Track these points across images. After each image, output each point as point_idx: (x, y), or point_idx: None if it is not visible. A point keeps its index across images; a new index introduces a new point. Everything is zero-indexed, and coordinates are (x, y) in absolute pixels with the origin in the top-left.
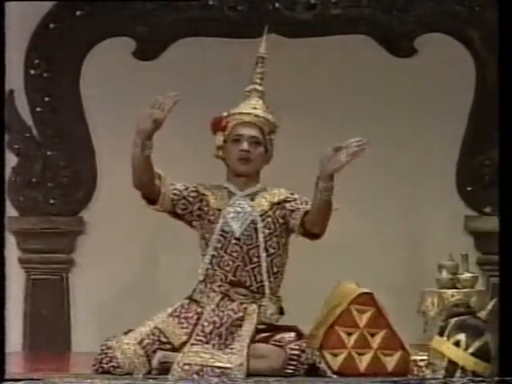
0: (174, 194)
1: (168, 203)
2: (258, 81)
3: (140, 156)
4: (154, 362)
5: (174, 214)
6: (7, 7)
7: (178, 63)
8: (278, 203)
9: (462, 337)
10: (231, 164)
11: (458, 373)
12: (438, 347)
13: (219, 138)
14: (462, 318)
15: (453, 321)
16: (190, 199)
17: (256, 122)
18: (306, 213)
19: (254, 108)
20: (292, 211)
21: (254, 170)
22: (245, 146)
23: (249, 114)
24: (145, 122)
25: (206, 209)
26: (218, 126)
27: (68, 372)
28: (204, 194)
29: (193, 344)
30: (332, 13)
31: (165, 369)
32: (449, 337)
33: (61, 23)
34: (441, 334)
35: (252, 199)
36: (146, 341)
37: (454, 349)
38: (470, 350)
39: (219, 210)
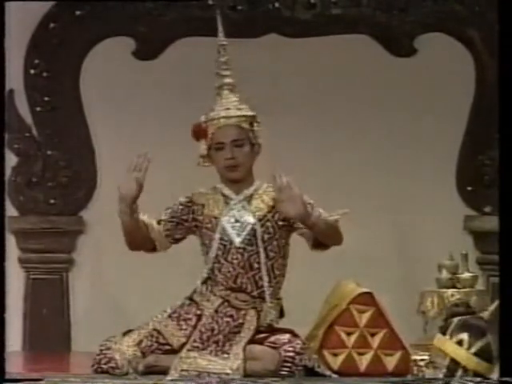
0: (167, 230)
1: (166, 244)
2: (224, 72)
3: (130, 221)
4: (140, 367)
5: (177, 240)
6: (7, 7)
7: (178, 63)
8: None
9: (465, 336)
10: (220, 171)
11: (459, 372)
12: (440, 346)
13: (202, 147)
14: (464, 317)
15: (456, 320)
16: (184, 217)
17: (233, 123)
18: None
19: (227, 108)
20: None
21: (244, 172)
22: (228, 154)
23: (224, 117)
24: (130, 187)
25: (200, 218)
26: (198, 133)
27: (68, 372)
28: (196, 204)
29: (189, 350)
30: (332, 13)
31: (151, 373)
32: (452, 336)
33: (61, 23)
34: (443, 332)
35: (249, 202)
36: (145, 342)
37: (457, 348)
38: (473, 349)
39: (215, 217)
